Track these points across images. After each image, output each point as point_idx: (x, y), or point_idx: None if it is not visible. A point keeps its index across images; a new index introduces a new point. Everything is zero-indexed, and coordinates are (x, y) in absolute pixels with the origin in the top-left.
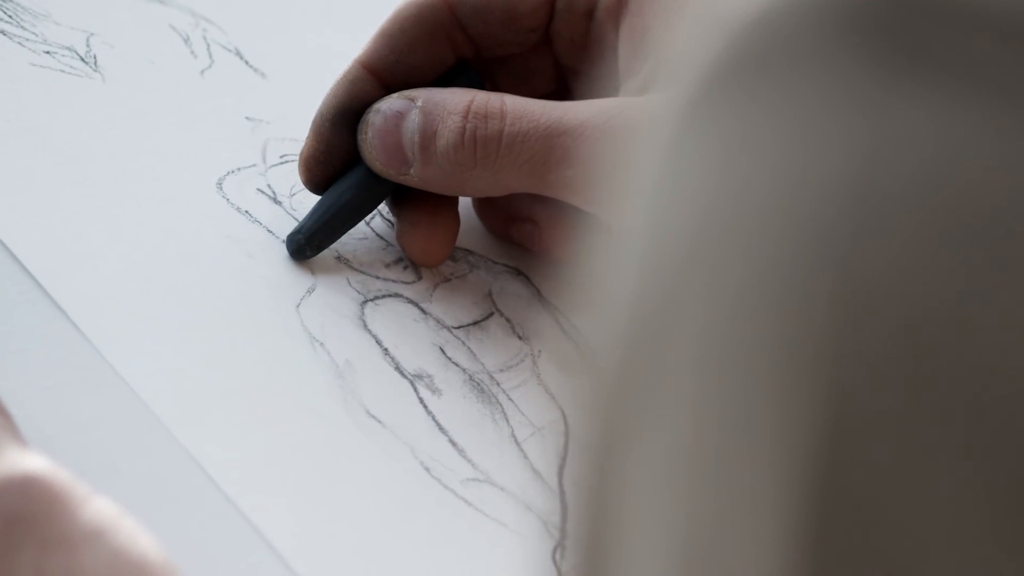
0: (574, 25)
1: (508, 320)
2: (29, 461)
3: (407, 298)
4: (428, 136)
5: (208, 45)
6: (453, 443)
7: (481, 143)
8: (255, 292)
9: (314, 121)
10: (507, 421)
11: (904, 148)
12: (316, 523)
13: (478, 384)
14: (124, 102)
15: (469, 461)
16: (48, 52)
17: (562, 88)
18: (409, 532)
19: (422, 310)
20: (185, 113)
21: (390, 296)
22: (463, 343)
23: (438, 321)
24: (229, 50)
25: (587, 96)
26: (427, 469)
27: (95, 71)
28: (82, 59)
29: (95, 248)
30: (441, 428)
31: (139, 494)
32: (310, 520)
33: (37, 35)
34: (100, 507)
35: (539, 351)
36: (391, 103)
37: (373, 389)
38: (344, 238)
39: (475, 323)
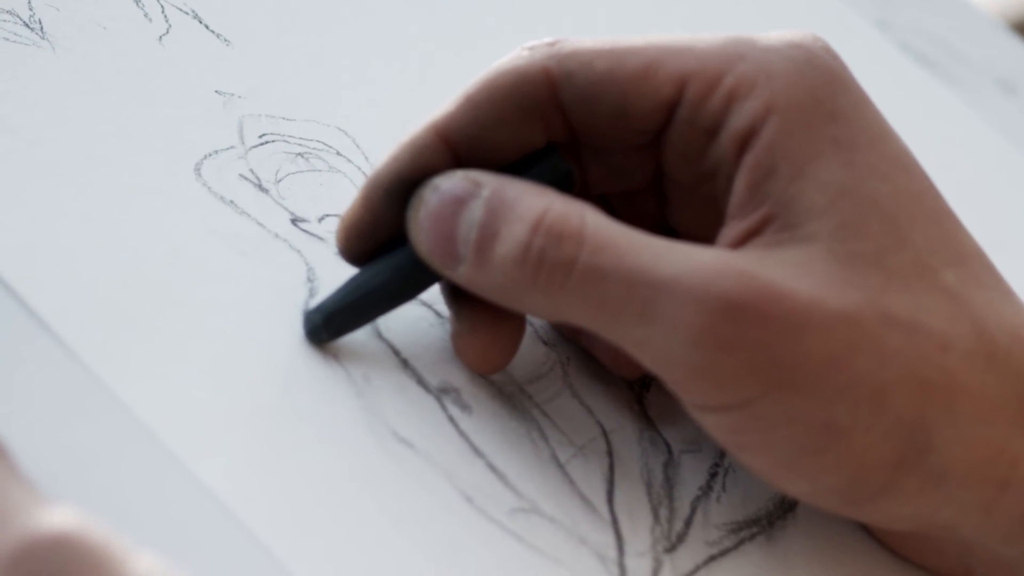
0: (691, 140)
1: (530, 323)
2: (56, 516)
3: (419, 299)
4: (487, 237)
5: (162, 7)
6: (492, 468)
7: (548, 268)
8: (254, 296)
9: (365, 185)
10: (545, 440)
11: None
12: (356, 569)
13: (509, 397)
14: (80, 75)
15: (512, 488)
16: None
17: (657, 191)
18: (458, 574)
19: (436, 313)
20: (148, 87)
21: None
22: None
23: None
24: (186, 12)
25: (684, 219)
26: (469, 500)
27: (43, 39)
28: (26, 24)
29: (71, 249)
30: (477, 451)
31: (156, 534)
32: (349, 566)
33: None
34: (146, 566)
35: (567, 358)
36: (453, 183)
37: (398, 408)
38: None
39: None
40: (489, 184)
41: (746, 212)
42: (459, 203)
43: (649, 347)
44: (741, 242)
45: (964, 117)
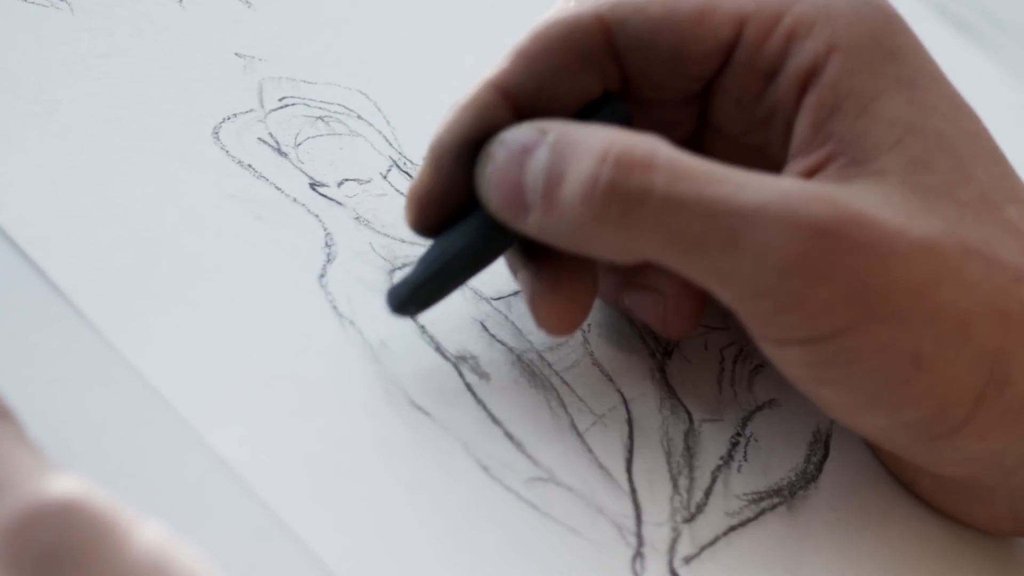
0: (748, 84)
1: None
2: (62, 484)
3: None
4: (554, 179)
5: None
6: (510, 436)
7: (620, 199)
8: (271, 261)
9: (432, 150)
10: (564, 409)
11: None
12: (369, 538)
13: (528, 365)
14: (99, 37)
15: (529, 457)
16: None
17: (696, 145)
18: (473, 544)
19: None
20: (168, 49)
21: None
22: (505, 317)
23: (474, 291)
24: None
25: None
26: (485, 469)
27: (61, 0)
28: None
29: (86, 213)
30: (495, 419)
31: (169, 501)
32: (363, 535)
33: None
34: (152, 535)
35: (588, 326)
36: (518, 134)
37: (415, 374)
38: (363, 195)
39: (515, 293)
40: (554, 129)
41: (809, 150)
42: (525, 152)
43: (734, 279)
44: (807, 177)
45: (1001, 83)
